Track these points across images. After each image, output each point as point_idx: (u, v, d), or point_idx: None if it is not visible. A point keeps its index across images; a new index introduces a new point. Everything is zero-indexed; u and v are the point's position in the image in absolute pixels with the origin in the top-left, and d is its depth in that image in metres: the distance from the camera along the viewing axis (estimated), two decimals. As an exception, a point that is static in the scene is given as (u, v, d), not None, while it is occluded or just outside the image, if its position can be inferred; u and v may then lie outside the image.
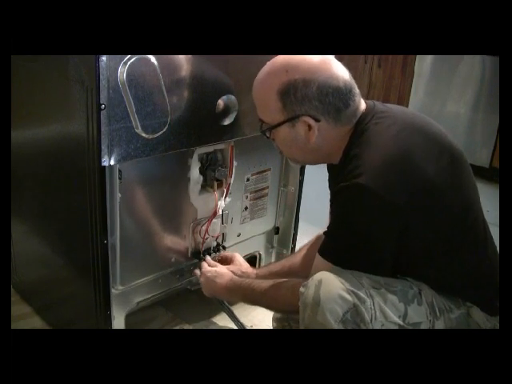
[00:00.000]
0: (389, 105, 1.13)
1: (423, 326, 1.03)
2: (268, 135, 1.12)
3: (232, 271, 1.39)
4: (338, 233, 1.06)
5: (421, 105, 3.22)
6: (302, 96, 1.02)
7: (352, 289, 0.98)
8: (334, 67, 1.05)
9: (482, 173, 2.92)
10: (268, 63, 1.08)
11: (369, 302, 0.98)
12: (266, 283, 1.21)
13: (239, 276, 1.38)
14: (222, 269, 1.36)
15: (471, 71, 2.96)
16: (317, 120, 1.04)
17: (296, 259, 1.38)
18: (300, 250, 1.41)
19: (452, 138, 1.10)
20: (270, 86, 1.05)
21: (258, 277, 1.39)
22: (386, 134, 1.03)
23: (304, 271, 1.29)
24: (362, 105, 1.09)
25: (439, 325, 1.05)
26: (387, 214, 0.98)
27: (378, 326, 0.99)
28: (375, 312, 0.98)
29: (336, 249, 1.06)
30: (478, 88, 2.96)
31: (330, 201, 1.09)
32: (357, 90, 1.07)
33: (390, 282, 1.03)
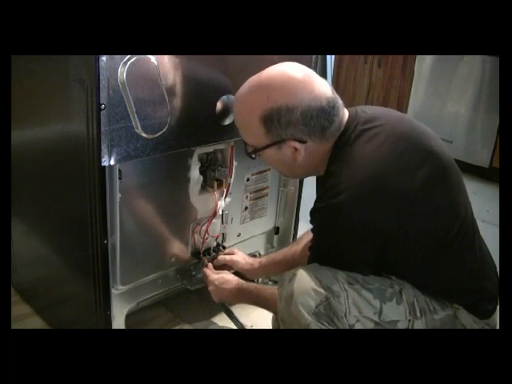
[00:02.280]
0: (373, 110, 1.12)
1: (400, 325, 1.04)
2: (254, 157, 1.12)
3: (237, 260, 1.44)
4: (319, 249, 1.09)
5: (421, 105, 3.22)
6: (286, 122, 1.02)
7: (325, 283, 1.01)
8: (316, 85, 1.03)
9: (481, 173, 2.92)
10: (247, 85, 1.06)
11: (343, 296, 1.00)
12: (269, 290, 1.24)
13: (243, 266, 1.44)
14: (227, 274, 1.37)
15: (471, 71, 2.96)
16: (303, 142, 1.04)
17: (298, 248, 1.40)
18: (301, 238, 1.43)
19: (439, 142, 1.09)
20: (251, 111, 1.04)
21: (261, 265, 1.44)
22: (364, 151, 1.02)
23: (306, 259, 1.31)
24: (346, 115, 1.08)
25: (419, 325, 1.05)
26: (363, 233, 1.00)
27: (353, 321, 1.01)
28: (349, 306, 1.00)
29: (318, 261, 1.08)
30: (478, 88, 2.96)
31: (310, 215, 1.08)
32: (339, 103, 1.06)
33: (368, 279, 1.05)
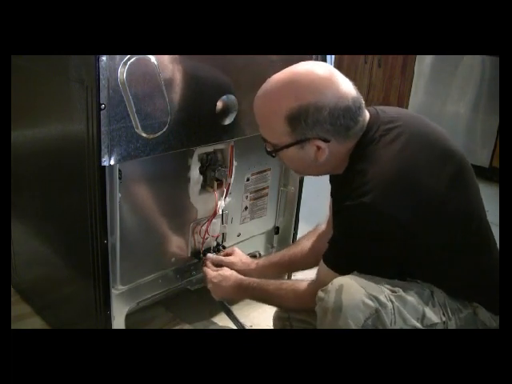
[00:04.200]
0: (391, 111, 1.12)
1: (438, 327, 1.03)
2: (274, 155, 1.10)
3: (232, 262, 1.43)
4: (342, 247, 1.07)
5: (421, 105, 3.22)
6: (314, 121, 0.99)
7: (373, 293, 0.98)
8: (341, 84, 1.01)
9: (482, 173, 2.92)
10: (272, 82, 1.04)
11: (389, 306, 0.98)
12: (271, 286, 1.24)
13: (239, 267, 1.42)
14: (225, 271, 1.37)
15: (471, 71, 2.96)
16: (327, 141, 1.02)
17: (296, 250, 1.40)
18: (299, 240, 1.43)
19: (453, 142, 1.10)
20: (277, 109, 1.02)
21: (258, 267, 1.43)
22: (390, 150, 1.02)
23: (303, 262, 1.33)
24: (367, 116, 1.07)
25: (452, 325, 1.05)
26: (391, 231, 0.99)
27: None
28: (395, 317, 0.98)
29: (340, 259, 1.07)
30: (478, 88, 2.95)
31: (334, 214, 1.08)
32: (363, 102, 1.04)
33: (405, 284, 1.04)
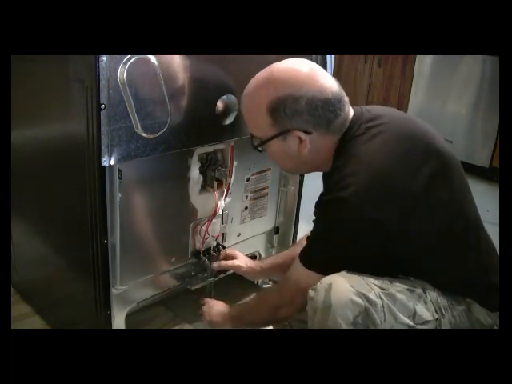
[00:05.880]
0: (377, 109, 1.13)
1: (431, 325, 1.04)
2: (260, 149, 1.13)
3: (239, 266, 1.45)
4: (319, 240, 1.08)
5: (421, 105, 3.22)
6: (292, 112, 1.03)
7: (362, 291, 0.98)
8: (322, 79, 1.04)
9: (482, 173, 2.92)
10: (254, 78, 1.09)
11: (379, 304, 0.99)
12: (252, 299, 1.32)
13: (245, 271, 1.45)
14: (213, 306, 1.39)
15: (471, 71, 2.96)
16: (308, 132, 1.05)
17: (299, 250, 1.40)
18: (302, 240, 1.43)
19: (441, 141, 1.10)
20: (258, 102, 1.06)
21: (263, 270, 1.45)
22: (370, 146, 1.04)
23: None
24: (351, 112, 1.09)
25: (445, 322, 1.05)
26: (368, 227, 1.00)
27: (387, 328, 0.99)
28: (385, 314, 0.99)
29: (316, 257, 1.08)
30: (478, 88, 2.96)
31: (315, 207, 1.09)
32: (346, 99, 1.07)
33: (395, 281, 1.04)
